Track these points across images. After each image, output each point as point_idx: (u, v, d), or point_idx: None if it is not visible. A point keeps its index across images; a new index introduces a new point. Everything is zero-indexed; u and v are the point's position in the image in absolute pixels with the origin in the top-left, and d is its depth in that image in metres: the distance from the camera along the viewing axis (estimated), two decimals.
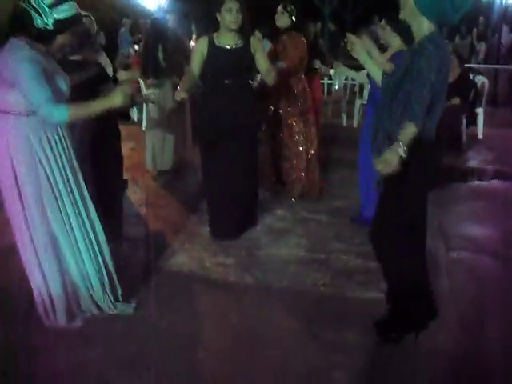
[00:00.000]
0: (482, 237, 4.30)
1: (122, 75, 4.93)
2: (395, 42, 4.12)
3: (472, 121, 7.70)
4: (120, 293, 3.21)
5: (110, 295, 3.13)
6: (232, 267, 3.79)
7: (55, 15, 2.63)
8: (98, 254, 3.07)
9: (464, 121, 7.43)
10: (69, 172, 2.91)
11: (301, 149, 5.04)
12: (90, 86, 3.52)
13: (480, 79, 8.30)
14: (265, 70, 4.05)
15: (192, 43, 8.95)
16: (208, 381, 2.66)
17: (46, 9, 2.61)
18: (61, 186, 2.87)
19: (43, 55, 2.72)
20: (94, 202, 3.05)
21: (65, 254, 2.96)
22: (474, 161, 6.70)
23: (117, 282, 3.20)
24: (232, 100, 4.02)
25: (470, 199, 5.21)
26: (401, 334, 2.91)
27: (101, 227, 3.08)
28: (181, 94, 3.67)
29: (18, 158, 2.77)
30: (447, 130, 7.12)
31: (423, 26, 2.59)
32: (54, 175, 2.84)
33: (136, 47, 11.33)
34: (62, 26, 2.67)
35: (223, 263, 3.86)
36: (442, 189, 5.43)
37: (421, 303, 2.88)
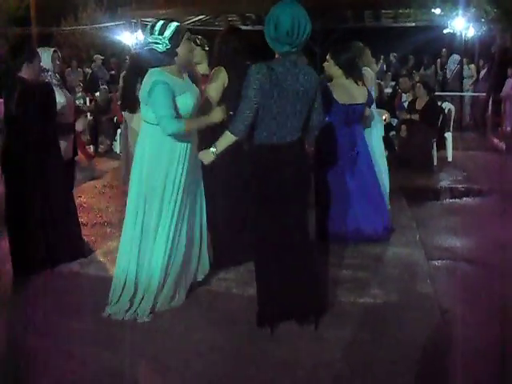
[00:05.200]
0: (458, 246, 4.74)
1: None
2: (337, 74, 4.72)
3: (442, 144, 8.25)
4: None
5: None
6: (234, 281, 4.09)
7: (166, 34, 3.31)
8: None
9: (434, 145, 7.97)
10: (183, 181, 3.51)
11: None
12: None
13: (447, 106, 8.89)
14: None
15: None
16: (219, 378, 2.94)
17: (159, 36, 3.31)
18: (172, 190, 3.48)
19: (175, 75, 3.43)
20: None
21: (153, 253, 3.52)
22: (445, 181, 7.25)
23: None
24: None
25: (445, 215, 5.67)
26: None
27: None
28: None
29: (147, 159, 3.45)
30: (420, 153, 7.68)
31: (274, 54, 3.19)
32: (171, 180, 3.46)
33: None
34: (174, 40, 3.34)
35: (224, 278, 4.15)
36: (419, 206, 5.91)
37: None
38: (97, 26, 17.56)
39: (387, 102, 8.47)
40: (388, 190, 5.41)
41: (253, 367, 2.99)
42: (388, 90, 10.32)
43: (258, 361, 3.05)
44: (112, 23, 15.86)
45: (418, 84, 8.33)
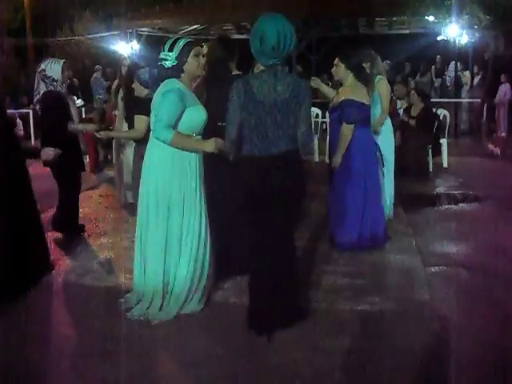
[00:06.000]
0: (455, 252, 4.74)
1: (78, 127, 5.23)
2: (348, 77, 4.66)
3: (437, 151, 8.28)
4: None
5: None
6: (230, 290, 4.08)
7: (174, 51, 3.46)
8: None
9: (430, 151, 8.00)
10: (198, 191, 3.56)
11: None
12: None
13: (442, 112, 8.93)
14: None
15: None
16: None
17: (169, 53, 3.46)
18: (188, 200, 3.53)
19: (189, 89, 3.55)
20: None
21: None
22: (441, 187, 7.28)
23: None
24: None
25: (441, 221, 5.69)
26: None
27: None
28: None
29: (161, 172, 3.48)
30: (415, 160, 7.69)
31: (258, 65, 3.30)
32: (184, 189, 3.50)
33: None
34: (181, 56, 3.47)
35: (222, 287, 4.13)
36: (415, 213, 5.92)
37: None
38: (92, 36, 17.58)
39: None
40: (392, 197, 5.46)
41: (251, 376, 2.98)
42: None
43: (255, 370, 3.03)
44: (107, 33, 15.87)
45: (413, 91, 8.37)
